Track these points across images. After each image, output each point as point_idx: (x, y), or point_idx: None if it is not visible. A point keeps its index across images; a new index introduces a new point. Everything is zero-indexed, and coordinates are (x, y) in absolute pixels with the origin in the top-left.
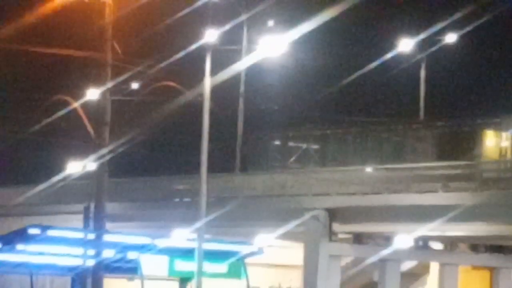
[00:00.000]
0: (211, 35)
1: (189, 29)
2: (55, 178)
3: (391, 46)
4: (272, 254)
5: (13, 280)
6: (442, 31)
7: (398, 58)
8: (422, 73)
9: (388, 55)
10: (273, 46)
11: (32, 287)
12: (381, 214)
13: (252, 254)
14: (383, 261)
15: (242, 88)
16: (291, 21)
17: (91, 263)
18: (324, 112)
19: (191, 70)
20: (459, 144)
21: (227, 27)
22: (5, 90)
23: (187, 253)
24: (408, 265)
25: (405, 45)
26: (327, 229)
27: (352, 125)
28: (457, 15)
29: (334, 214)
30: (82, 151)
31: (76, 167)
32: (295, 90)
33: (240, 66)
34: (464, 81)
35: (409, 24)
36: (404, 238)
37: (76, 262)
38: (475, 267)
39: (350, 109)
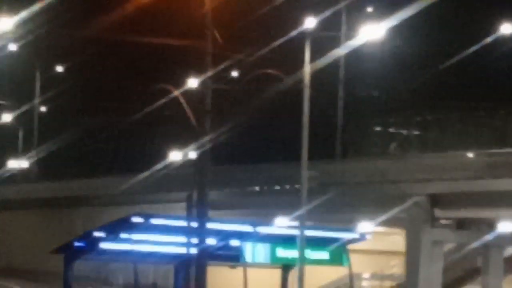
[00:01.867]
0: (310, 22)
1: (288, 16)
2: (158, 167)
3: (491, 29)
4: (374, 241)
5: (117, 268)
6: None
7: (499, 42)
8: None
9: (489, 39)
10: (372, 32)
11: (136, 275)
12: (483, 200)
13: (354, 240)
14: (486, 247)
15: (341, 75)
16: (390, 6)
17: (194, 251)
18: (424, 97)
19: (290, 58)
20: None
21: (326, 13)
22: (108, 80)
23: (289, 241)
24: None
25: (506, 28)
26: (429, 215)
27: (452, 110)
28: None
29: (436, 200)
30: (184, 140)
31: (178, 155)
32: (394, 76)
33: (339, 52)
34: None
35: (510, 7)
36: (507, 223)
37: (179, 250)
38: None
39: (451, 94)
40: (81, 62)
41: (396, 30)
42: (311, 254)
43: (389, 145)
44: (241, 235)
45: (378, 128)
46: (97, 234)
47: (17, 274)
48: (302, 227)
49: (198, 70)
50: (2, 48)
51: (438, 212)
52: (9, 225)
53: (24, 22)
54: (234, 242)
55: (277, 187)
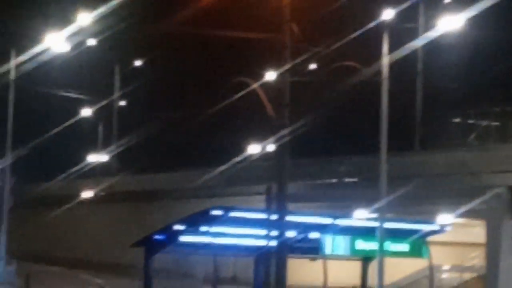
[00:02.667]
0: (388, 14)
1: (366, 8)
2: (237, 160)
3: None
4: (454, 232)
5: (197, 261)
6: None
7: None
8: None
9: None
10: (450, 23)
11: (215, 268)
12: None
13: (434, 232)
14: None
15: (419, 66)
16: None
17: (274, 243)
18: (503, 88)
19: (368, 50)
20: None
21: (403, 5)
22: (186, 74)
23: (368, 233)
24: None
25: None
26: (509, 206)
27: None
28: None
29: None
30: (263, 133)
31: (257, 148)
32: (473, 67)
33: (417, 44)
34: None
35: None
36: None
37: (259, 243)
38: None
39: None
40: (160, 56)
41: (474, 21)
42: (390, 246)
43: (468, 136)
44: (320, 228)
45: (456, 120)
46: (177, 227)
47: (98, 268)
48: (381, 219)
49: (276, 63)
50: (81, 43)
51: None
52: (89, 220)
53: (102, 17)
54: (314, 235)
55: (356, 179)
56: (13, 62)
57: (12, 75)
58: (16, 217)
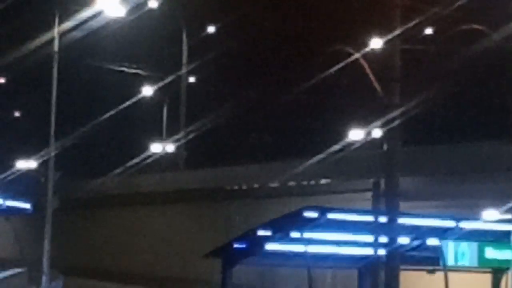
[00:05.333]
0: None
1: None
2: (334, 149)
3: None
4: None
5: (287, 275)
6: None
7: None
8: None
9: None
10: None
11: (310, 283)
12: None
13: None
14: None
15: None
16: None
17: (382, 252)
18: None
19: (497, 10)
20: None
21: None
22: (270, 43)
23: (501, 238)
24: None
25: None
26: None
27: None
28: None
29: None
30: (367, 115)
31: (360, 134)
32: None
33: None
34: None
35: None
36: None
37: (364, 251)
38: None
39: None
40: (237, 21)
41: None
42: None
43: None
44: (440, 232)
45: None
46: (261, 232)
47: (162, 284)
48: None
49: (383, 27)
50: (140, 6)
51: None
52: (151, 224)
53: None
54: (432, 241)
55: (484, 172)
56: (57, 29)
57: (56, 46)
58: (61, 221)
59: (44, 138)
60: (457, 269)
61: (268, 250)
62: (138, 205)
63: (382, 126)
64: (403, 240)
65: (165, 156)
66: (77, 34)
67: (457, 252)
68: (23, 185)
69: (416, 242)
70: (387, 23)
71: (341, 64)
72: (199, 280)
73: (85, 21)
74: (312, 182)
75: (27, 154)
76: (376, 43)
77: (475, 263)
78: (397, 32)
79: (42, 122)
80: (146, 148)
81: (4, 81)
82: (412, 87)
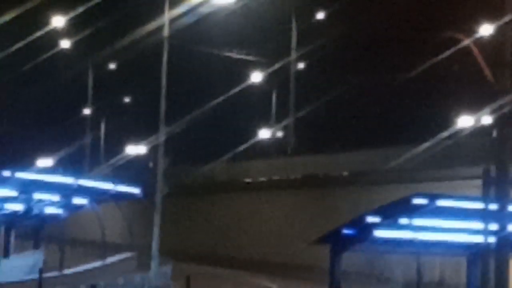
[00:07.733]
0: None
1: None
2: (443, 135)
3: None
4: None
5: (395, 262)
6: None
7: None
8: None
9: None
10: None
11: (419, 270)
12: None
13: None
14: None
15: None
16: None
17: (493, 239)
18: None
19: None
20: None
21: None
22: (379, 29)
23: None
24: None
25: None
26: None
27: None
28: None
29: None
30: (477, 100)
31: (470, 120)
32: None
33: None
34: None
35: None
36: None
37: (474, 238)
38: None
39: None
40: (347, 8)
41: None
42: None
43: None
44: None
45: None
46: (370, 219)
47: (270, 270)
48: None
49: (494, 13)
50: None
51: None
52: (259, 211)
53: None
54: None
55: None
56: (167, 15)
57: (166, 32)
58: (170, 208)
59: (154, 124)
60: None
61: (376, 237)
62: (245, 191)
63: (492, 112)
64: None
65: (273, 143)
66: (187, 20)
67: None
68: (133, 171)
69: None
70: (498, 9)
71: (451, 50)
72: (308, 266)
73: (195, 7)
74: (420, 169)
75: (136, 140)
76: (487, 29)
77: None
78: (509, 17)
79: (151, 108)
80: (254, 134)
81: (115, 67)
82: None
